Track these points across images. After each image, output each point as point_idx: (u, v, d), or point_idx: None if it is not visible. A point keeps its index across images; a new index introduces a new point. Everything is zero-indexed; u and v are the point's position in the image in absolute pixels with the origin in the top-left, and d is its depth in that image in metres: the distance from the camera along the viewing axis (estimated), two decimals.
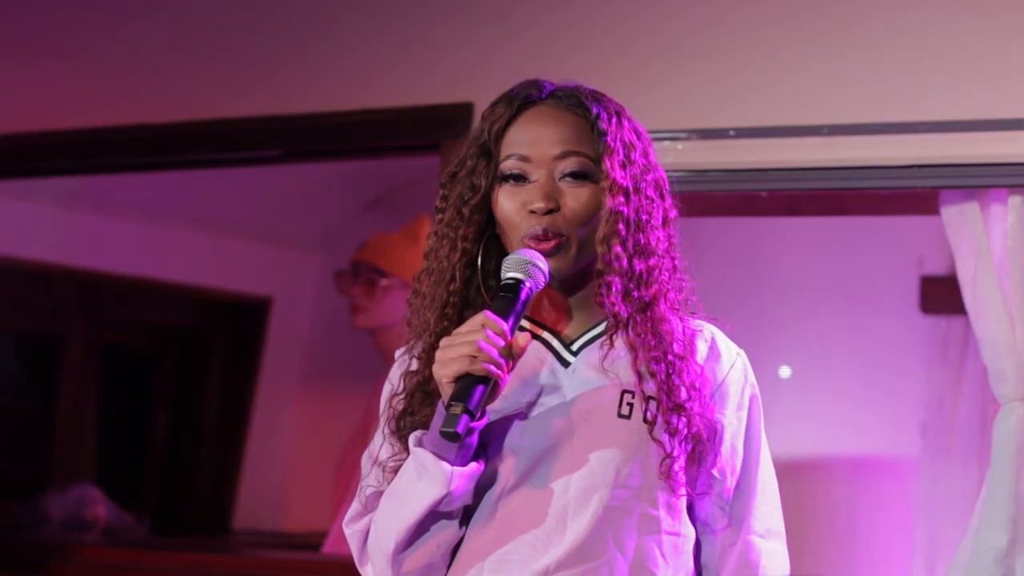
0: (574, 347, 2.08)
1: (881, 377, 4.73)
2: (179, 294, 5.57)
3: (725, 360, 2.11)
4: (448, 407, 1.91)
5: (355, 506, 2.14)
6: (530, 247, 2.02)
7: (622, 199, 2.02)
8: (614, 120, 2.06)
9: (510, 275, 1.99)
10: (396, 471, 2.06)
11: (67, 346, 5.42)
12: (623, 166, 2.04)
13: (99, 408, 5.54)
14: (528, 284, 1.98)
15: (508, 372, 1.94)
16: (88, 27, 4.24)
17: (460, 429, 1.89)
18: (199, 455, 5.72)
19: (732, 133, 3.27)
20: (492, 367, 1.91)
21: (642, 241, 2.04)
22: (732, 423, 2.09)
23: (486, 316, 1.94)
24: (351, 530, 2.14)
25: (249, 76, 3.96)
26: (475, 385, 1.92)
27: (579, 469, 2.00)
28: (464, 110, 3.57)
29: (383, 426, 2.12)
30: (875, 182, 3.18)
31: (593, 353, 2.06)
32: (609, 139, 2.04)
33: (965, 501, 4.37)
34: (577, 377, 2.05)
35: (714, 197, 3.38)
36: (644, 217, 2.05)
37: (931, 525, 4.55)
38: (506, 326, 1.94)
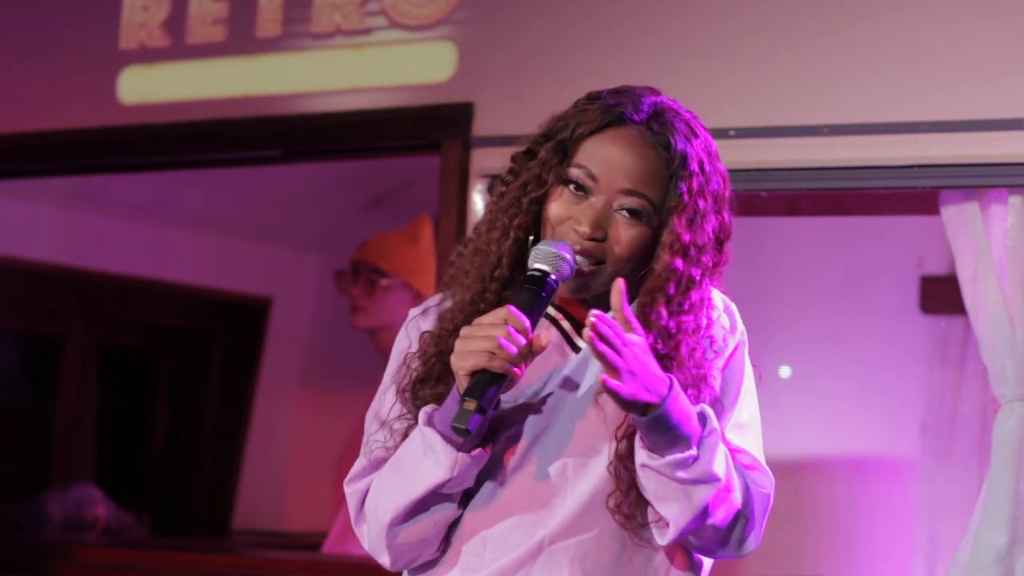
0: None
1: (881, 377, 4.73)
2: (179, 294, 5.57)
3: (717, 328, 2.09)
4: (462, 401, 1.91)
5: (358, 464, 2.13)
6: None
7: (680, 259, 2.01)
8: (696, 170, 2.03)
9: (537, 266, 1.98)
10: (404, 434, 2.06)
11: (67, 346, 5.42)
12: (690, 224, 2.02)
13: (99, 408, 5.54)
14: (554, 277, 1.97)
15: (525, 368, 1.94)
16: (89, 26, 4.23)
17: (471, 427, 1.89)
18: (199, 455, 5.72)
19: (732, 133, 3.27)
20: (510, 365, 1.91)
21: (684, 303, 2.02)
22: (716, 375, 2.07)
23: (509, 312, 1.93)
24: (351, 488, 2.13)
25: (251, 76, 3.96)
26: (491, 382, 1.91)
27: (577, 448, 2.01)
28: (464, 110, 3.57)
29: (393, 383, 2.10)
30: (875, 182, 3.18)
31: None
32: (684, 194, 2.01)
33: (965, 501, 4.37)
34: (585, 362, 2.05)
35: None
36: (696, 276, 2.04)
37: (931, 525, 4.55)
38: (528, 323, 1.93)
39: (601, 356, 1.87)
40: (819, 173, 3.22)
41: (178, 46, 4.01)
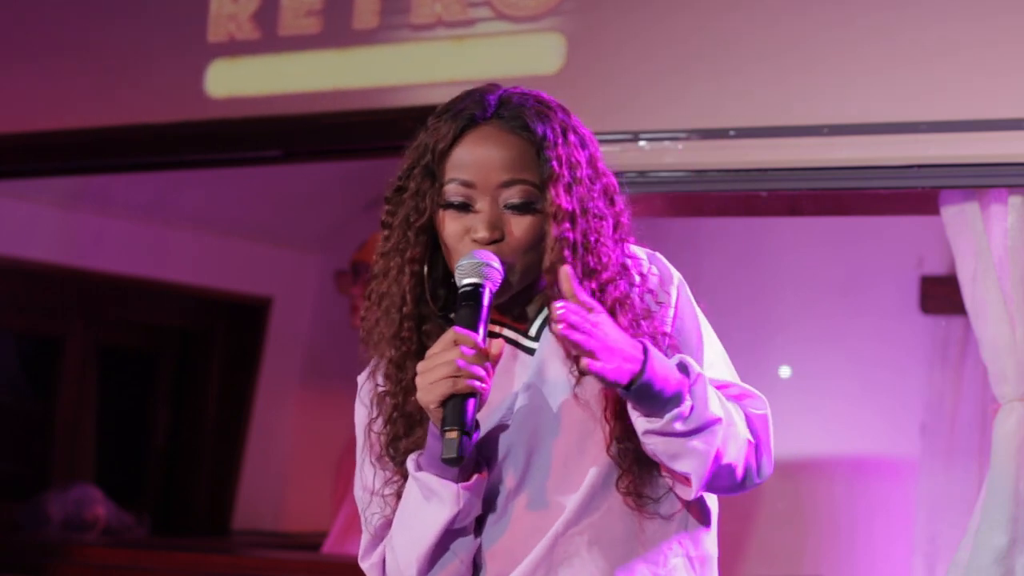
0: (532, 332, 2.07)
1: (881, 377, 4.73)
2: (179, 294, 5.58)
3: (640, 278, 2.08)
4: (443, 433, 1.90)
5: (364, 540, 2.14)
6: None
7: (568, 225, 1.99)
8: (560, 140, 2.02)
9: (467, 281, 1.97)
10: (397, 495, 2.07)
11: (67, 346, 5.43)
12: (568, 190, 2.00)
13: (99, 408, 5.55)
14: (487, 286, 1.96)
15: (490, 379, 1.93)
16: (88, 26, 4.24)
17: (465, 453, 1.88)
18: (199, 455, 5.73)
19: (732, 133, 3.27)
20: (475, 382, 1.90)
21: (591, 263, 2.01)
22: (668, 324, 2.06)
23: (456, 332, 1.92)
24: (367, 564, 2.13)
25: (250, 75, 3.96)
26: (464, 405, 1.90)
27: (568, 443, 2.02)
28: None
29: (367, 454, 2.10)
30: (875, 182, 3.18)
31: (549, 334, 2.05)
32: (555, 164, 2.00)
33: (965, 501, 4.37)
34: (543, 361, 2.05)
35: (714, 197, 3.38)
36: (592, 238, 2.01)
37: (931, 525, 4.55)
38: (477, 337, 1.92)
39: (576, 344, 1.87)
40: (819, 173, 3.22)
41: (269, 39, 3.91)
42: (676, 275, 2.11)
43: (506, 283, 2.00)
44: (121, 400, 5.70)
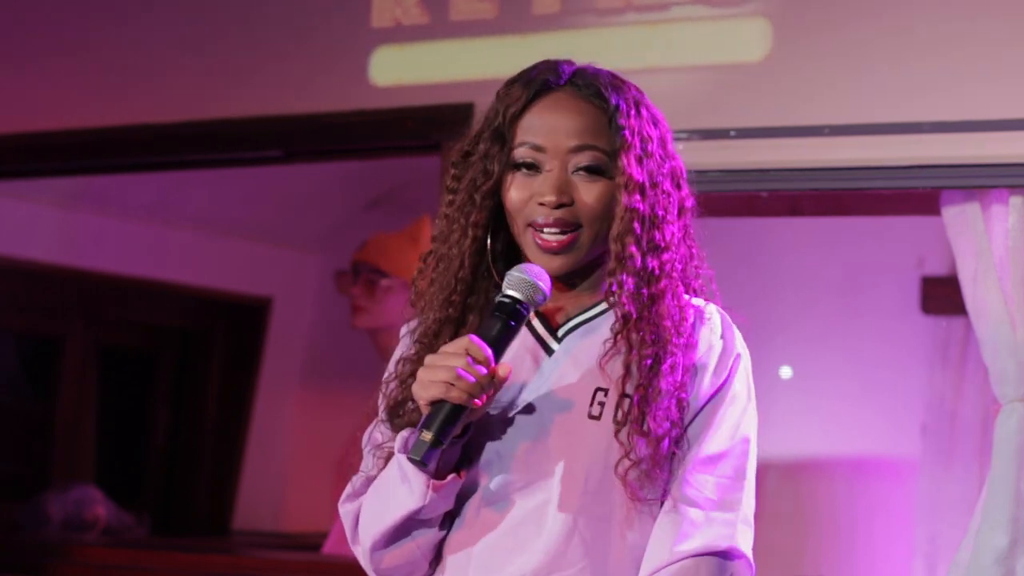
0: (559, 332, 2.04)
1: (881, 377, 4.73)
2: (179, 294, 5.58)
3: (704, 337, 2.03)
4: (420, 432, 1.88)
5: (350, 486, 2.12)
6: (543, 242, 1.97)
7: (638, 196, 1.97)
8: (632, 112, 2.01)
9: (509, 293, 1.94)
10: (387, 458, 2.04)
11: (67, 346, 5.42)
12: (640, 161, 1.99)
13: (99, 408, 5.54)
14: (525, 306, 1.93)
15: (488, 399, 1.90)
16: (88, 26, 4.24)
17: (427, 460, 1.87)
18: (199, 455, 5.72)
19: (732, 133, 3.27)
20: (468, 396, 1.87)
21: (656, 237, 1.99)
22: (706, 394, 2.01)
23: (471, 341, 1.89)
24: (345, 509, 2.12)
25: (249, 76, 3.96)
26: (450, 413, 1.87)
27: (553, 474, 1.97)
28: (464, 111, 3.57)
29: (380, 407, 2.08)
30: (876, 182, 3.18)
31: (576, 340, 2.02)
32: (627, 133, 1.99)
33: (965, 501, 4.37)
34: (557, 369, 2.01)
35: (714, 197, 3.36)
36: (660, 212, 1.99)
37: (931, 525, 4.55)
38: (490, 353, 1.89)
39: None
40: (820, 173, 3.22)
41: (439, 23, 3.72)
42: (744, 354, 2.07)
43: (567, 260, 1.98)
44: (121, 400, 5.69)
